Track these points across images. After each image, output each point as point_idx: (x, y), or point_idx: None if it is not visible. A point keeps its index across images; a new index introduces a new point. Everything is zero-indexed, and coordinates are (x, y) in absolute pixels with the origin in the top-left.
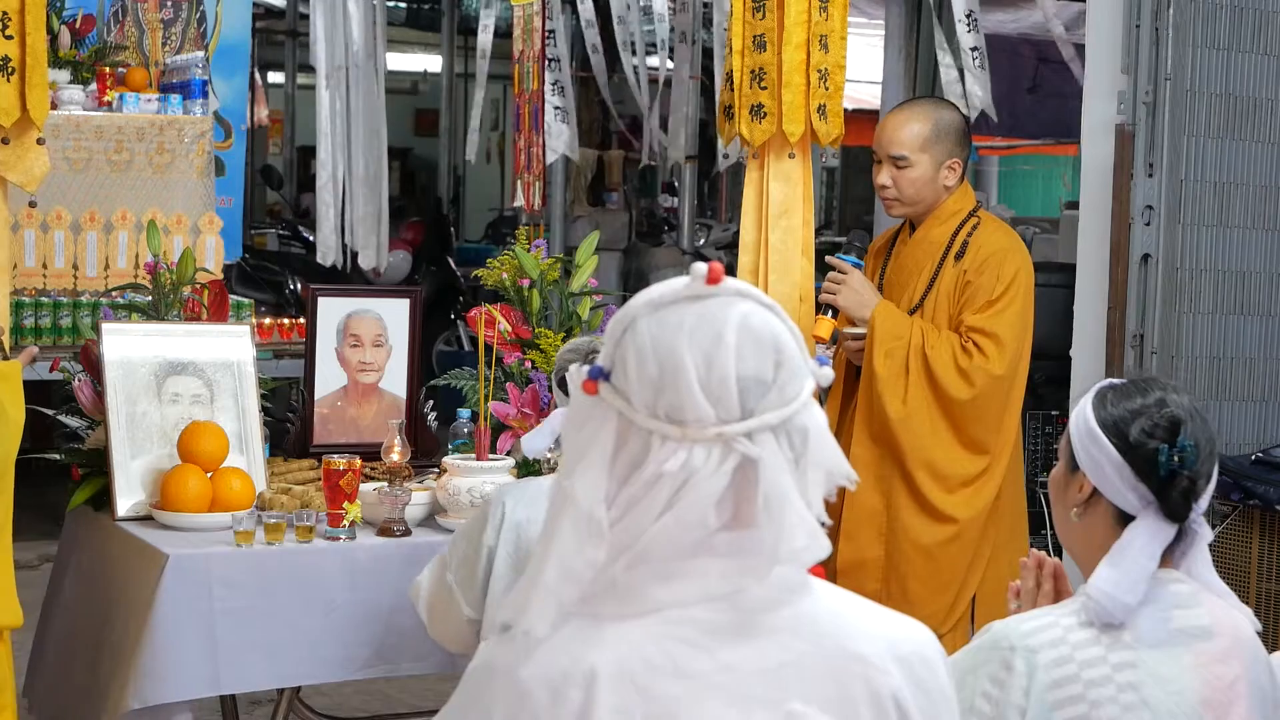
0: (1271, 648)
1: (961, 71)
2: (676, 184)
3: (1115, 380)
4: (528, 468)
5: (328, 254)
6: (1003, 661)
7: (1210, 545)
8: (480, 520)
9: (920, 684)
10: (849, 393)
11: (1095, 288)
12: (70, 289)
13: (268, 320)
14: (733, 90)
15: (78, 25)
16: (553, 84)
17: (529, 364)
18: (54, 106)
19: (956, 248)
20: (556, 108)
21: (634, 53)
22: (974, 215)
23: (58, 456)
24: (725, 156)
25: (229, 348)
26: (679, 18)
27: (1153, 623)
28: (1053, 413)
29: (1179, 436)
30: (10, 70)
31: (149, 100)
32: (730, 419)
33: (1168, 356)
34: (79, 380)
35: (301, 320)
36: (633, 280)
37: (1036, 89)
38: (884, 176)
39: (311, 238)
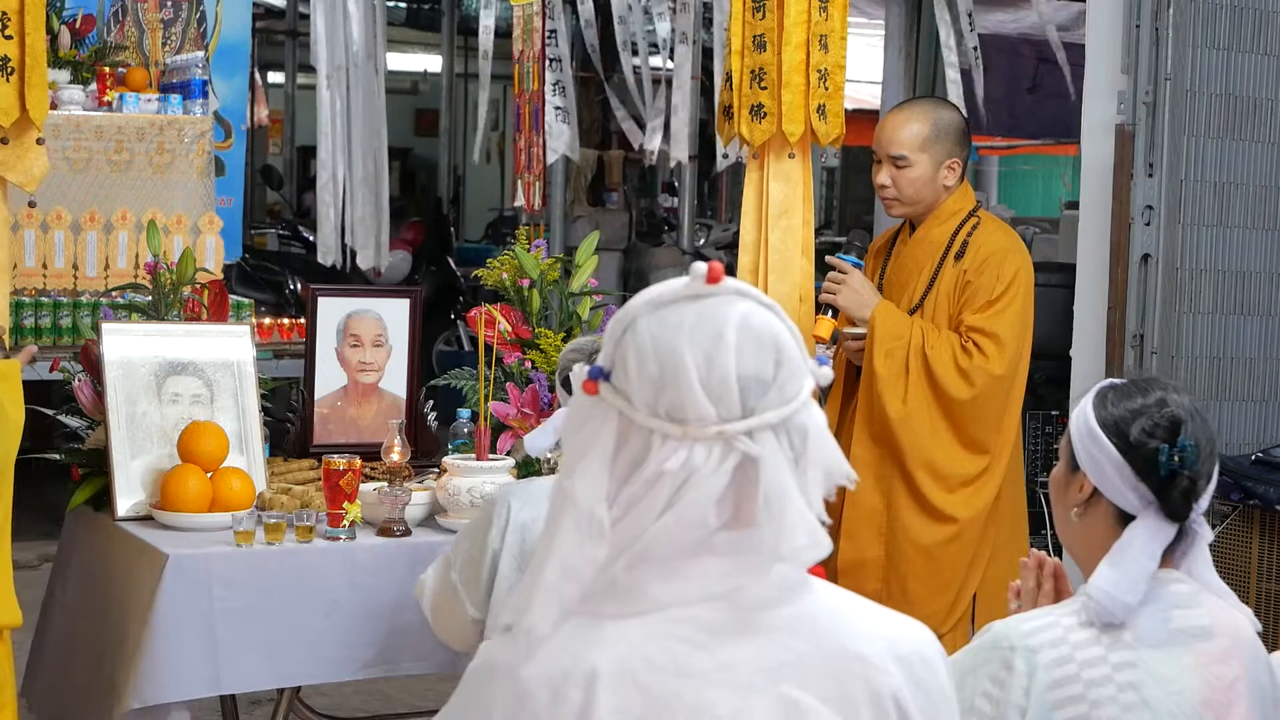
0: (1271, 648)
1: (966, 72)
2: (676, 184)
3: (1116, 380)
4: (528, 468)
5: (328, 254)
6: (1003, 661)
7: (1210, 545)
8: (485, 520)
9: (920, 684)
10: (849, 393)
11: (1095, 288)
12: (70, 289)
13: (268, 320)
14: (732, 90)
15: (78, 25)
16: (554, 84)
17: (529, 364)
18: (54, 106)
19: (956, 247)
20: (557, 108)
21: (634, 53)
22: (974, 215)
23: (58, 456)
24: (725, 156)
25: (229, 348)
26: (679, 18)
27: (1153, 623)
28: (1053, 413)
29: (1179, 436)
30: (10, 70)
31: (149, 100)
32: (731, 418)
33: (1168, 356)
34: (79, 380)
35: (301, 320)
36: (633, 280)
37: (1036, 89)
38: (884, 176)
39: (311, 238)
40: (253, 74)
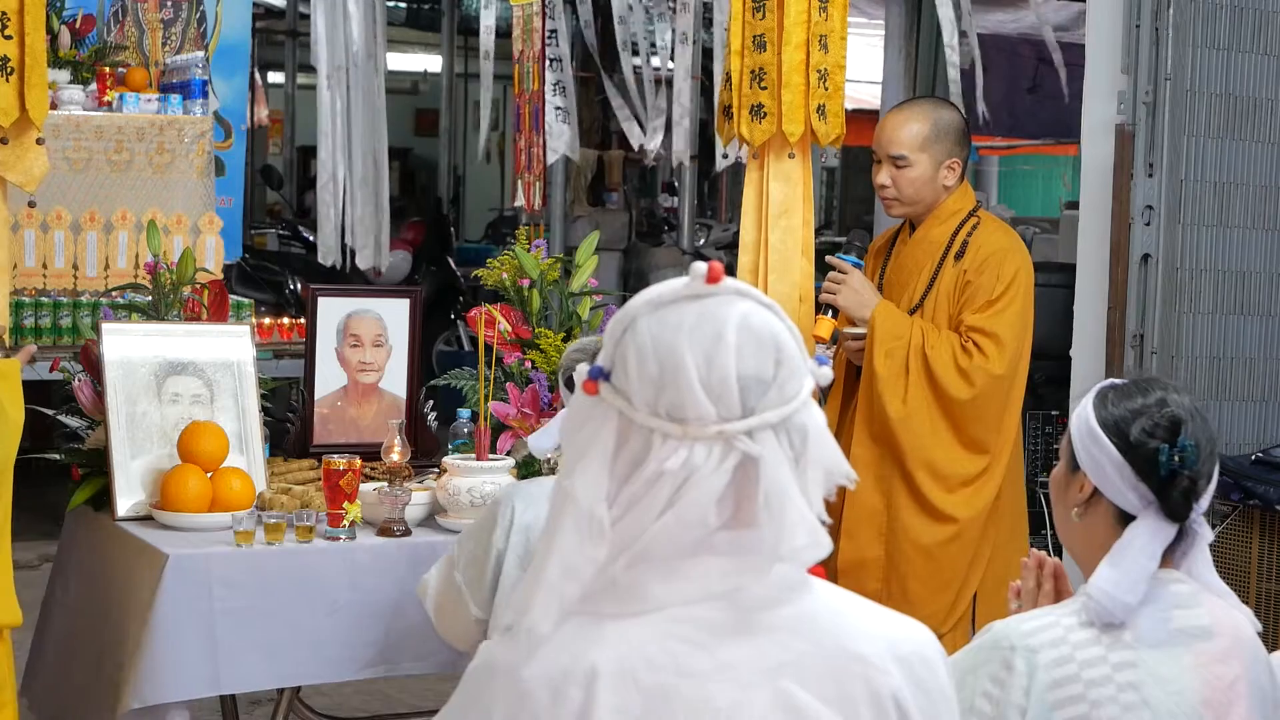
0: (1271, 648)
1: (966, 71)
2: (676, 184)
3: (1116, 380)
4: (528, 468)
5: (328, 254)
6: (1003, 661)
7: (1210, 545)
8: (489, 521)
9: (920, 684)
10: (849, 393)
11: (1095, 288)
12: (70, 289)
13: (268, 320)
14: (732, 90)
15: (78, 25)
16: (554, 84)
17: (529, 364)
18: (54, 106)
19: (956, 247)
20: (558, 108)
21: (634, 53)
22: (974, 215)
23: (58, 456)
24: (725, 156)
25: (229, 348)
26: (679, 18)
27: (1153, 623)
28: (1053, 413)
29: (1179, 436)
30: (10, 70)
31: (149, 100)
32: (731, 417)
33: (1168, 356)
34: (79, 380)
35: (301, 320)
36: (633, 280)
37: (1036, 89)
38: (883, 176)
39: (311, 238)
40: (253, 74)
